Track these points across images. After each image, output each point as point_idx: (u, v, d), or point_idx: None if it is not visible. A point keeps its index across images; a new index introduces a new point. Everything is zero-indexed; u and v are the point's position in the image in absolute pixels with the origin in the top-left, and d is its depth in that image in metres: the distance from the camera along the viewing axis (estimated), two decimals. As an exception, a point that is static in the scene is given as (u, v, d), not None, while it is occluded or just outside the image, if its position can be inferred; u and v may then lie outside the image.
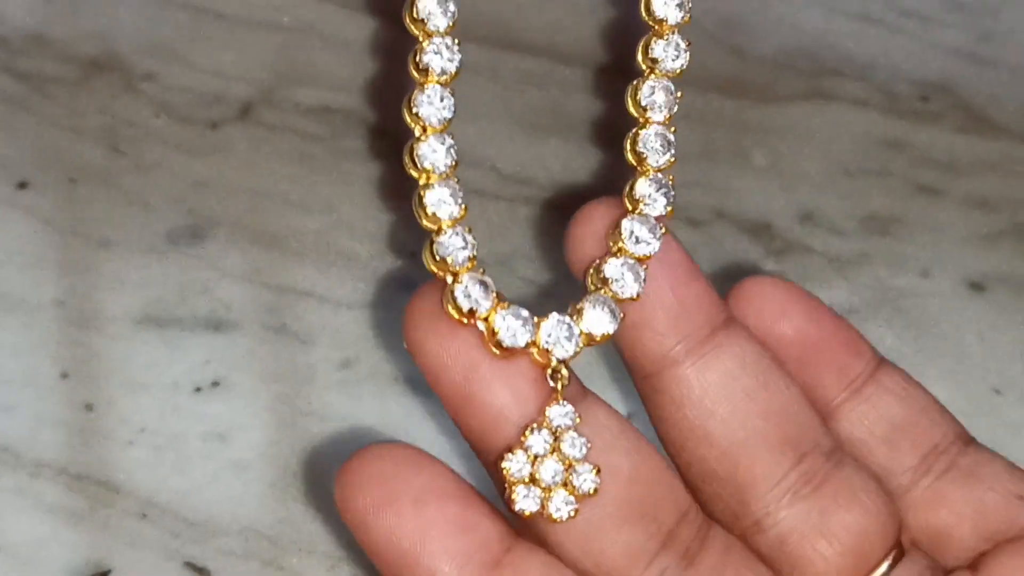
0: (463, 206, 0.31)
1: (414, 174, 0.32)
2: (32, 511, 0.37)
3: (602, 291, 0.32)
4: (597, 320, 0.32)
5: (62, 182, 0.40)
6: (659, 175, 0.33)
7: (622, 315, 0.32)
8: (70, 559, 0.36)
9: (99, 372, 0.38)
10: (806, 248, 0.41)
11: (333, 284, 0.40)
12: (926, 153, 0.43)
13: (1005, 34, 0.44)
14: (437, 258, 0.31)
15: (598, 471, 0.32)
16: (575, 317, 0.32)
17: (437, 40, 0.31)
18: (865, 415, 0.34)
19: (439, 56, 0.31)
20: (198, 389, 0.38)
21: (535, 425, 0.31)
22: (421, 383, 0.33)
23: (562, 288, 0.40)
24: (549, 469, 0.31)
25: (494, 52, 0.43)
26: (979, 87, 0.44)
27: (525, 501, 0.31)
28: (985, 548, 0.34)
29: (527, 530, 0.32)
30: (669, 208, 0.33)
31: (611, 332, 0.32)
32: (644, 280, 0.32)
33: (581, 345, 0.32)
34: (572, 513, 0.32)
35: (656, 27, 0.33)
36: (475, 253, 0.32)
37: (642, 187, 0.33)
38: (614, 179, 0.37)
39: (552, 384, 0.32)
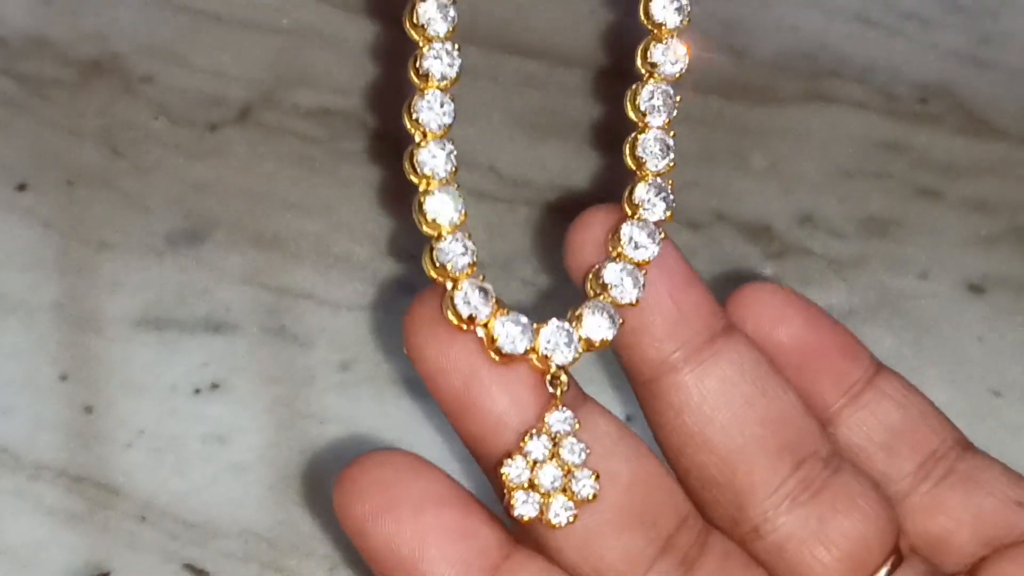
0: (463, 212, 0.31)
1: (414, 180, 0.31)
2: (31, 513, 0.37)
3: (601, 297, 0.32)
4: (596, 326, 0.32)
5: (61, 184, 0.40)
6: (658, 180, 0.33)
7: (621, 321, 0.32)
8: (69, 561, 0.36)
9: (98, 374, 0.38)
10: (805, 250, 0.41)
11: (332, 286, 0.40)
12: (925, 155, 0.43)
13: (1004, 36, 0.44)
14: (437, 264, 0.31)
15: (597, 477, 0.32)
16: (574, 323, 0.32)
17: (437, 45, 0.31)
18: (863, 421, 0.34)
19: (439, 61, 0.31)
20: (197, 391, 0.38)
21: (534, 431, 0.31)
22: (420, 385, 0.33)
23: (561, 290, 0.40)
24: (548, 475, 0.31)
25: (494, 54, 0.43)
26: (978, 89, 0.43)
27: (524, 507, 0.31)
28: (984, 554, 0.34)
29: (526, 536, 0.32)
30: (668, 213, 0.33)
31: (610, 338, 0.32)
32: (643, 285, 0.32)
33: (580, 351, 0.32)
34: (571, 519, 0.32)
35: (655, 31, 0.33)
36: (475, 259, 0.31)
37: (641, 192, 0.33)
38: (614, 181, 0.37)
39: (551, 390, 0.32)
